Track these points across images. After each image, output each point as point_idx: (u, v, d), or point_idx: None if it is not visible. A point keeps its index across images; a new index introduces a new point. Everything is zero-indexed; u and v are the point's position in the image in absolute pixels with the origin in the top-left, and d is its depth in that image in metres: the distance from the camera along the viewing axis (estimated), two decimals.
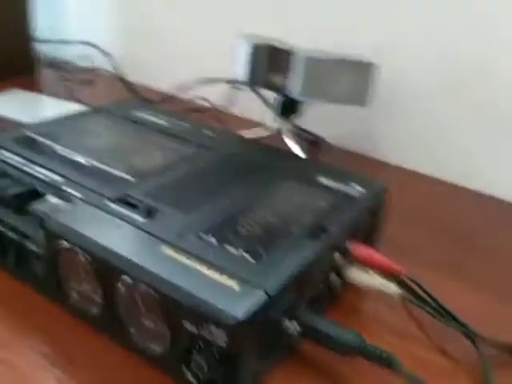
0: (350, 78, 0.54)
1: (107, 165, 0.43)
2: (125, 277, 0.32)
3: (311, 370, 0.34)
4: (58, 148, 0.45)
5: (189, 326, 0.30)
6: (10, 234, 0.38)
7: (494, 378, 0.34)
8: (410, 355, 0.36)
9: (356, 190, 0.43)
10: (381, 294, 0.38)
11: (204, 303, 0.29)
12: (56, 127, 0.50)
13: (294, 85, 0.55)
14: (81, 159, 0.44)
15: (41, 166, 0.42)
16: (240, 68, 0.58)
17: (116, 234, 0.34)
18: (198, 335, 0.29)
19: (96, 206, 0.37)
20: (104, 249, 0.33)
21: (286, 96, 0.59)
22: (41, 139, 0.47)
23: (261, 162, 0.47)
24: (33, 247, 0.37)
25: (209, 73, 0.74)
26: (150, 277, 0.31)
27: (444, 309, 0.38)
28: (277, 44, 0.57)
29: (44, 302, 0.38)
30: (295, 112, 0.61)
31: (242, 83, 0.64)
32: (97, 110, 0.55)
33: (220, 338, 0.29)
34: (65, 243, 0.34)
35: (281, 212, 0.39)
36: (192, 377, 0.31)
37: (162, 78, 0.82)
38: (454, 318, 0.38)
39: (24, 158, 0.43)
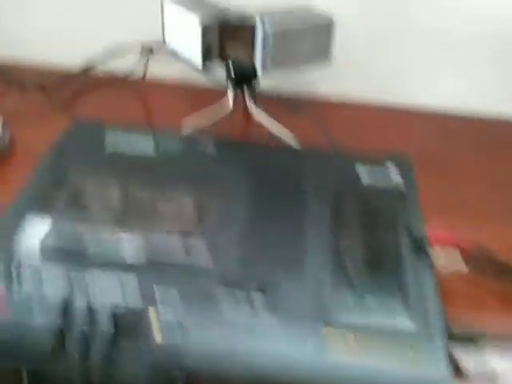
0: (313, 40, 0.51)
1: (164, 255, 0.37)
2: None
3: None
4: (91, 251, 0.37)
5: None
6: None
7: None
8: None
9: (394, 173, 0.45)
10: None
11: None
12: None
13: (260, 58, 0.50)
14: (130, 259, 0.37)
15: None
16: (194, 51, 0.51)
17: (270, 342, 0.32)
18: None
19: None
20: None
21: (239, 66, 0.54)
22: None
23: (290, 168, 0.45)
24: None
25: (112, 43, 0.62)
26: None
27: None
28: (228, 16, 0.50)
29: None
30: (252, 80, 0.56)
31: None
32: (59, 152, 0.45)
33: None
34: None
35: (364, 232, 0.39)
36: None
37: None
38: None
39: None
